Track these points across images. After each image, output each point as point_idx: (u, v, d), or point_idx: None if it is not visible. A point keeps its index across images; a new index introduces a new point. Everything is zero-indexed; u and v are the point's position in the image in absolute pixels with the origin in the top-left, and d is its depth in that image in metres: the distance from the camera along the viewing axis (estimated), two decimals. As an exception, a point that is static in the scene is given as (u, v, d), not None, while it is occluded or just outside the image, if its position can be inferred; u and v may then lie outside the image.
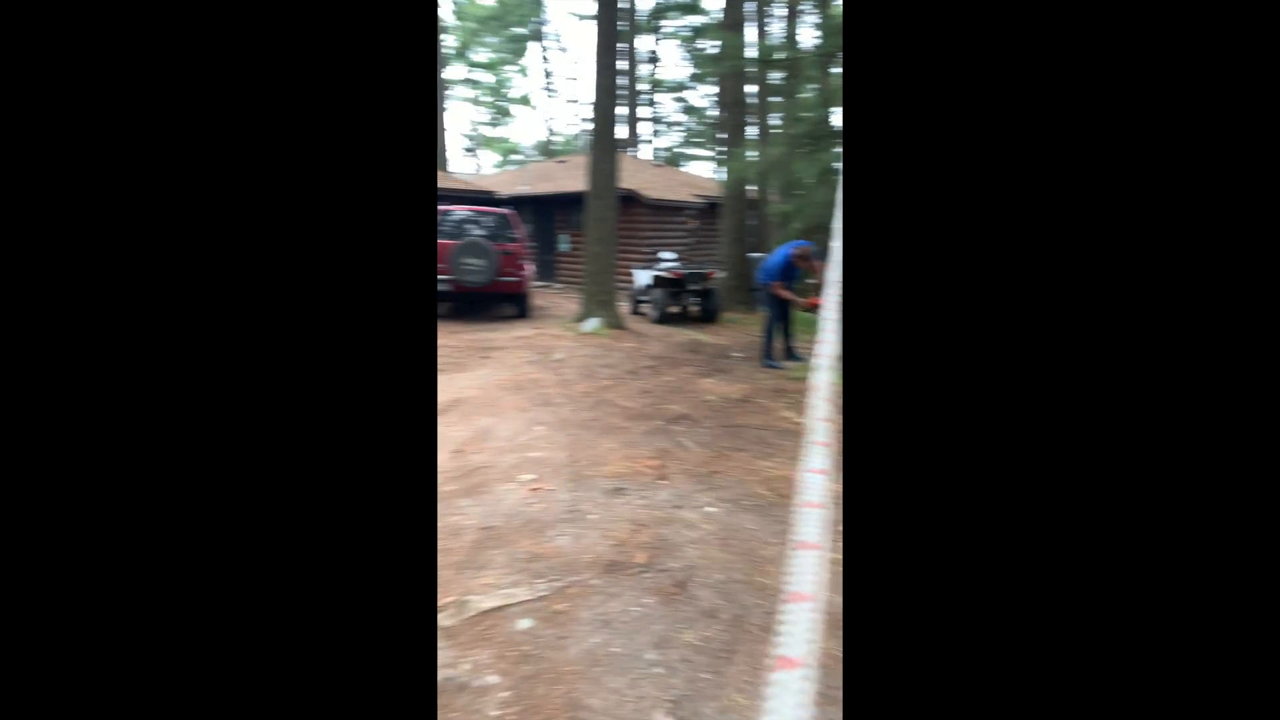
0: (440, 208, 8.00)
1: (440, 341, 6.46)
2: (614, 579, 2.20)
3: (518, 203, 13.41)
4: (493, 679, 1.70)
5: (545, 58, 26.09)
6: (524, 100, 30.29)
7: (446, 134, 15.11)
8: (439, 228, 7.76)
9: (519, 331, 7.36)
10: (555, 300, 10.50)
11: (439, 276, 7.54)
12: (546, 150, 24.78)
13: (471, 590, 2.11)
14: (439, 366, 5.33)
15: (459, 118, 29.73)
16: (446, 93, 15.53)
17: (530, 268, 8.42)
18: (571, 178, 13.21)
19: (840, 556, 0.81)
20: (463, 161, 29.03)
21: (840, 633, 0.87)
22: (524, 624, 1.95)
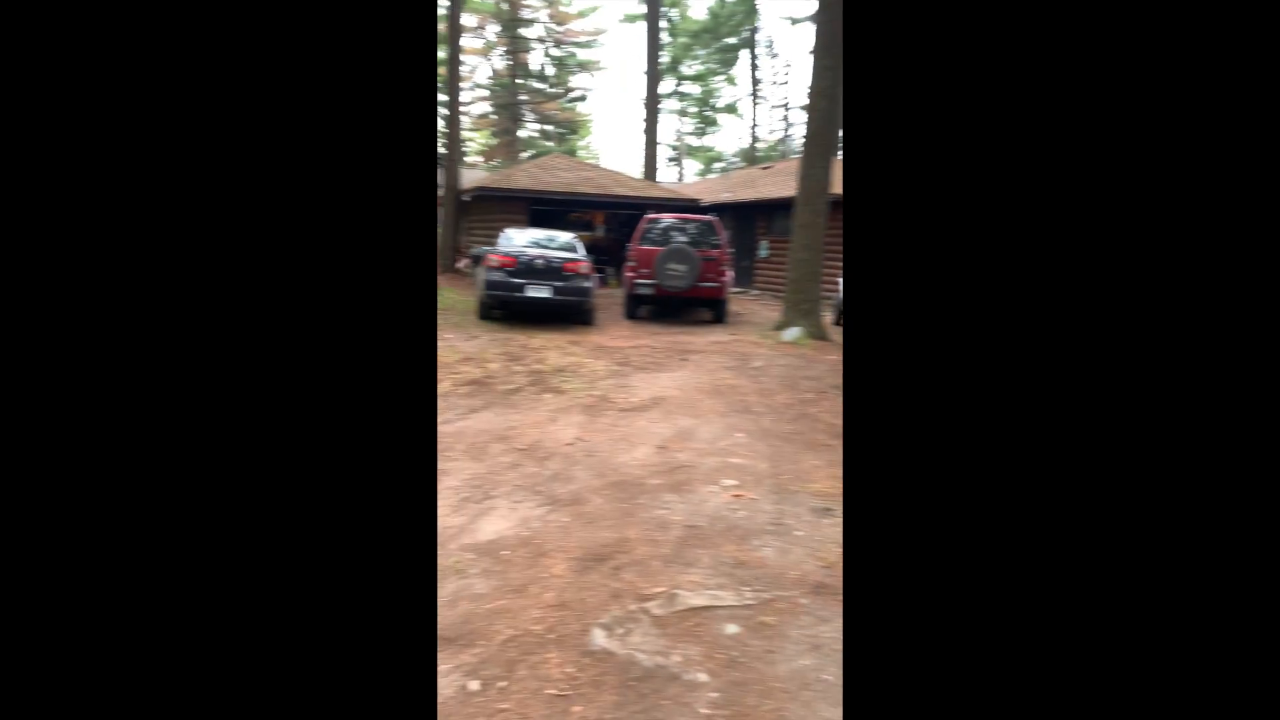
0: (647, 216, 8.44)
1: (642, 341, 6.82)
2: (823, 602, 2.10)
3: (720, 209, 13.61)
4: (702, 676, 1.73)
5: (755, 64, 26.06)
6: (731, 109, 30.63)
7: (656, 145, 15.92)
8: (646, 234, 8.19)
9: (716, 336, 7.45)
10: (752, 307, 10.43)
11: (643, 281, 7.96)
12: (750, 157, 24.77)
13: (679, 585, 2.18)
14: (640, 365, 5.62)
15: (666, 129, 31.15)
16: (657, 105, 16.35)
17: (730, 274, 8.49)
18: (774, 184, 13.02)
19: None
20: (667, 170, 30.37)
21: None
22: (731, 629, 1.95)
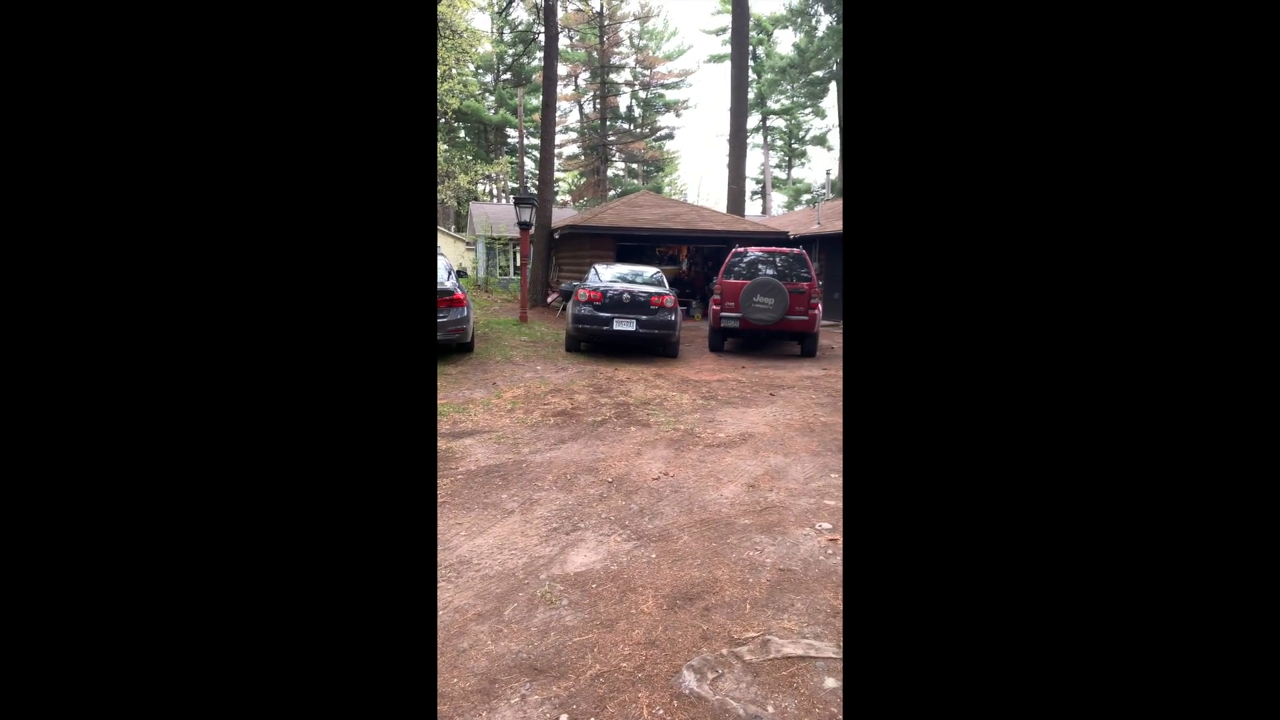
0: (734, 249, 8.43)
1: (728, 375, 6.74)
2: (933, 662, 1.93)
3: (809, 242, 13.36)
4: (800, 733, 1.63)
5: (842, 96, 25.74)
6: (820, 140, 30.31)
7: (744, 179, 15.98)
8: (732, 268, 8.18)
9: (806, 371, 7.23)
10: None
11: (729, 314, 7.92)
12: (840, 189, 24.30)
13: (772, 631, 2.08)
14: (727, 400, 5.54)
15: (752, 163, 31.24)
16: (744, 140, 16.45)
17: (820, 307, 8.26)
18: (868, 214, 12.61)
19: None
20: (752, 204, 30.31)
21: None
22: (830, 682, 1.83)
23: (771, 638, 2.04)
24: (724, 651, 1.97)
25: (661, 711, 1.70)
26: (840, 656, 1.96)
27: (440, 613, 2.13)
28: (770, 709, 1.72)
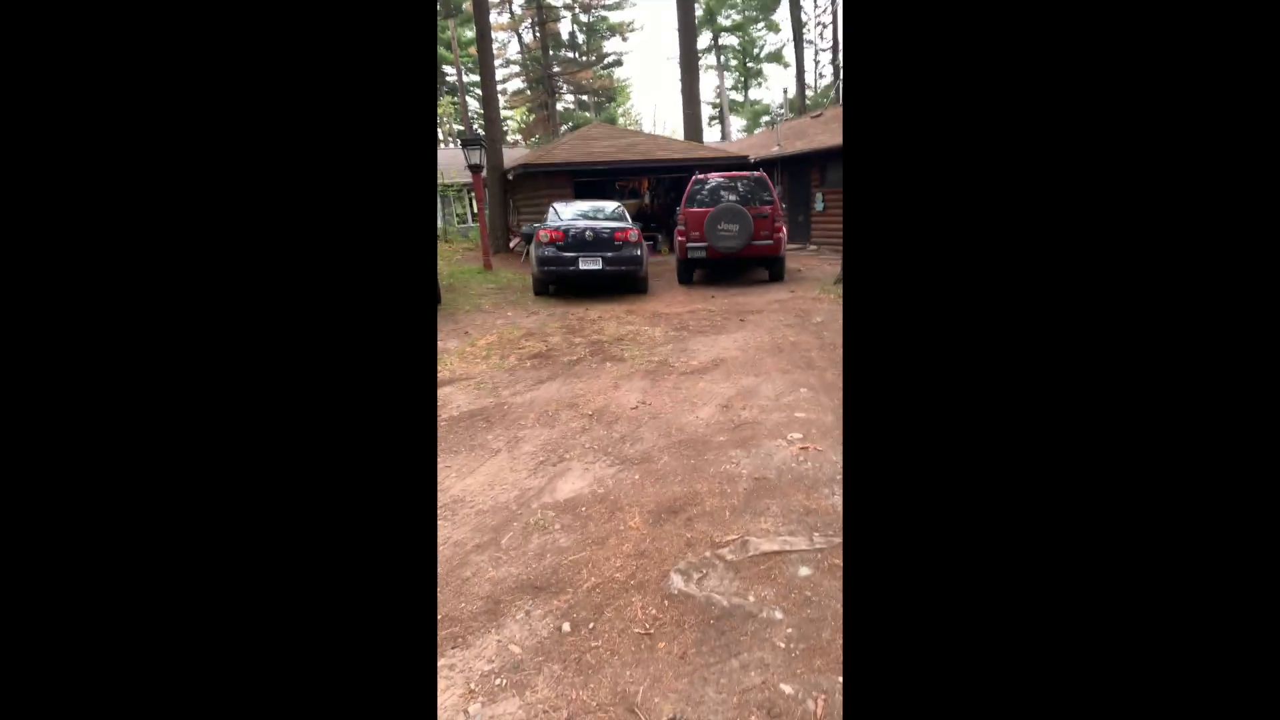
0: (695, 177, 8.32)
1: (698, 306, 6.83)
2: (896, 543, 2.13)
3: (770, 164, 13.21)
4: (778, 614, 1.82)
5: (797, 7, 24.70)
6: (775, 57, 29.32)
7: (699, 104, 15.50)
8: (694, 196, 8.10)
9: (775, 295, 7.35)
10: (810, 262, 10.18)
11: (694, 244, 7.90)
12: (799, 107, 23.73)
13: (751, 533, 2.26)
14: (698, 329, 5.65)
15: (706, 86, 30.20)
16: (696, 63, 15.80)
17: (785, 230, 8.29)
18: (827, 133, 12.48)
19: None
20: (711, 130, 29.54)
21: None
22: (803, 571, 2.02)
23: (750, 538, 2.22)
24: (707, 554, 2.14)
25: (654, 611, 1.87)
26: (812, 548, 2.15)
27: (440, 548, 2.25)
28: (751, 598, 1.91)
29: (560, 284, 7.69)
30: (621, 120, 33.79)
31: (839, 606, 1.83)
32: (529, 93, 30.35)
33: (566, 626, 1.81)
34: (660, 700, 1.53)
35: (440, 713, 1.52)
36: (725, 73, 30.84)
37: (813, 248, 12.25)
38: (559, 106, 30.44)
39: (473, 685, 1.60)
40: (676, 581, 2.00)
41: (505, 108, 28.29)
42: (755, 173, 8.36)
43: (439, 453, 3.10)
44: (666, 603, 1.90)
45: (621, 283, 7.68)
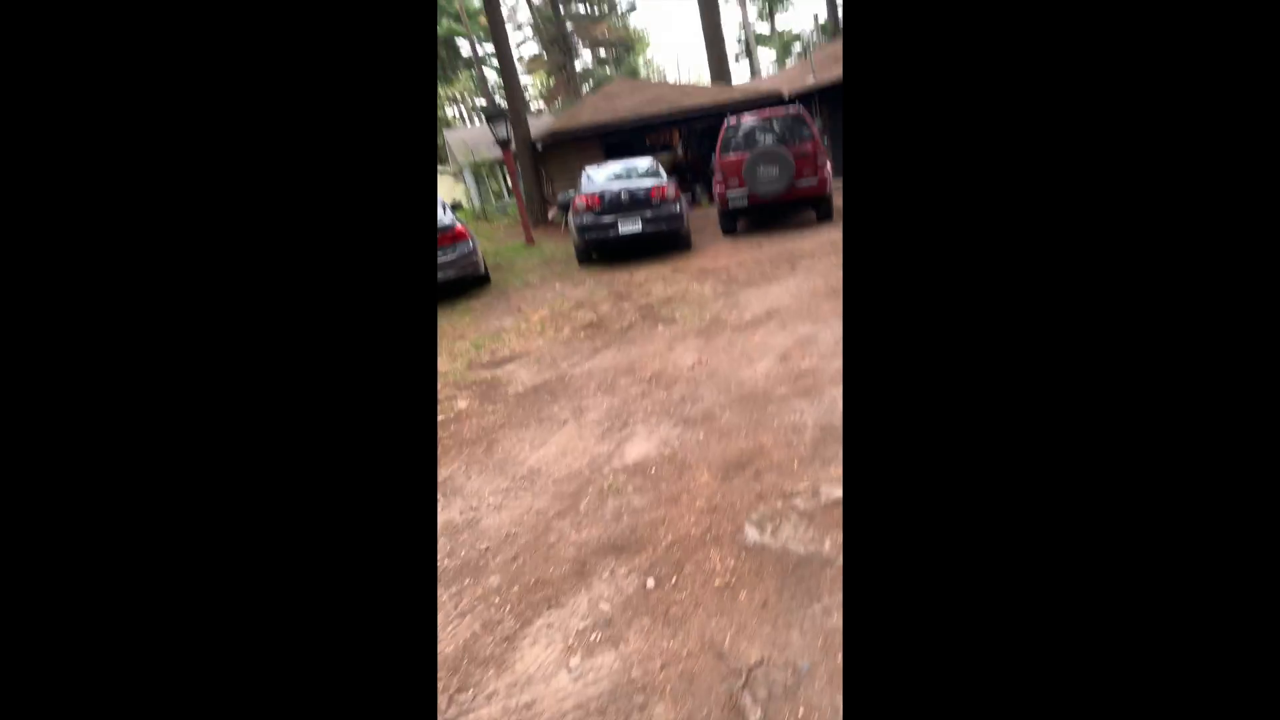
0: (727, 121, 8.03)
1: (745, 256, 6.70)
2: (972, 480, 2.11)
3: (806, 98, 12.58)
4: (857, 558, 1.85)
5: (821, -82, 22.81)
6: (799, -22, 27.37)
7: (723, 43, 14.81)
8: (729, 141, 7.84)
9: (826, 236, 7.12)
10: (855, 197, 9.74)
11: (734, 192, 7.69)
12: (832, 30, 22.29)
13: (820, 480, 2.28)
14: (748, 281, 5.56)
15: (729, 21, 28.71)
16: (715, 2, 14.98)
17: (829, 166, 7.95)
18: (864, 53, 11.70)
19: None
20: (739, 68, 28.21)
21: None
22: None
23: (821, 486, 2.24)
24: (779, 505, 2.18)
25: (732, 563, 1.94)
26: (886, 491, 2.15)
27: (525, 516, 2.38)
28: (827, 545, 1.94)
29: (602, 250, 7.69)
30: (643, 71, 32.74)
31: (917, 546, 1.84)
32: (545, 56, 29.74)
33: (650, 582, 1.91)
34: (747, 646, 1.61)
35: (544, 668, 1.65)
36: (748, 2, 29.19)
37: (859, 181, 11.68)
38: (578, 66, 29.73)
39: (570, 641, 1.72)
40: (751, 533, 2.06)
41: (523, 74, 27.85)
42: (791, 109, 7.99)
43: (510, 428, 3.24)
44: (744, 554, 1.96)
45: (664, 242, 7.60)
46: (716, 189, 8.03)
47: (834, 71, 12.15)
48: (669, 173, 9.50)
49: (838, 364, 3.33)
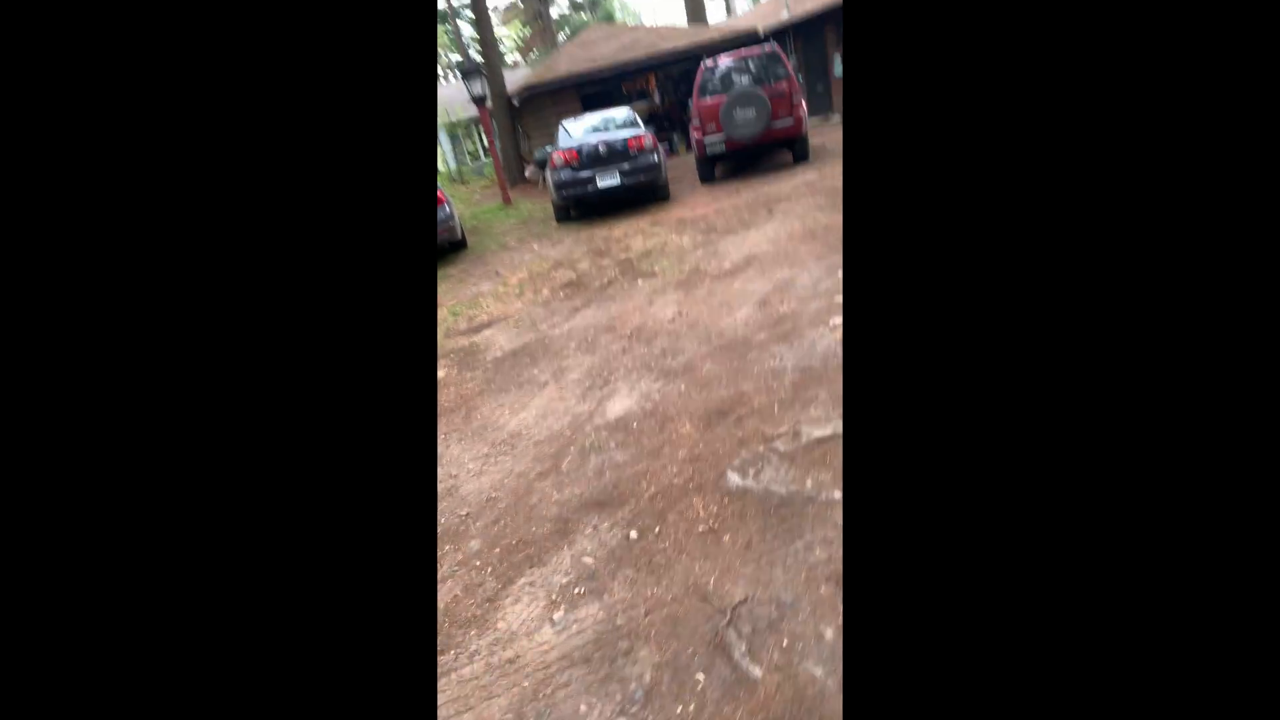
0: (703, 64, 7.75)
1: (723, 203, 6.57)
2: (950, 412, 2.10)
3: (780, 34, 12.11)
4: (837, 494, 1.85)
5: None
6: (772, -95, 26.10)
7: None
8: (705, 85, 7.59)
9: (803, 177, 6.97)
10: (835, 135, 9.51)
11: (711, 138, 7.49)
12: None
13: (801, 422, 2.27)
14: (726, 229, 5.46)
15: (704, -43, 27.44)
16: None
17: (804, 105, 7.71)
18: (841, -18, 11.23)
19: None
20: (715, 7, 27.09)
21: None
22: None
23: (801, 428, 2.24)
24: (760, 449, 2.18)
25: (715, 509, 1.94)
26: (865, 428, 2.15)
27: (505, 479, 2.38)
28: (809, 483, 1.94)
29: (581, 206, 7.52)
30: (620, 16, 31.41)
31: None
32: (520, 4, 28.45)
33: (634, 534, 1.91)
34: (731, 586, 1.62)
35: (526, 624, 1.66)
36: (720, -63, 27.83)
37: (836, 117, 11.40)
38: (554, 14, 28.50)
39: (554, 596, 1.73)
40: (733, 478, 2.06)
41: (498, 25, 26.73)
42: (766, 47, 7.70)
43: (489, 394, 3.21)
44: (726, 499, 1.97)
45: (643, 194, 7.44)
46: (694, 135, 7.80)
47: (806, 4, 11.67)
48: (646, 121, 9.22)
49: (815, 306, 3.29)
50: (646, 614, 1.60)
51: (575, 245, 6.34)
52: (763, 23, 12.77)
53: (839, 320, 3.05)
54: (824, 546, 1.69)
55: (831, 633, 1.44)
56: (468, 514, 2.21)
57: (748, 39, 11.49)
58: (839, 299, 3.30)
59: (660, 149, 7.42)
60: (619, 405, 2.77)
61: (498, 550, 1.98)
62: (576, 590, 1.73)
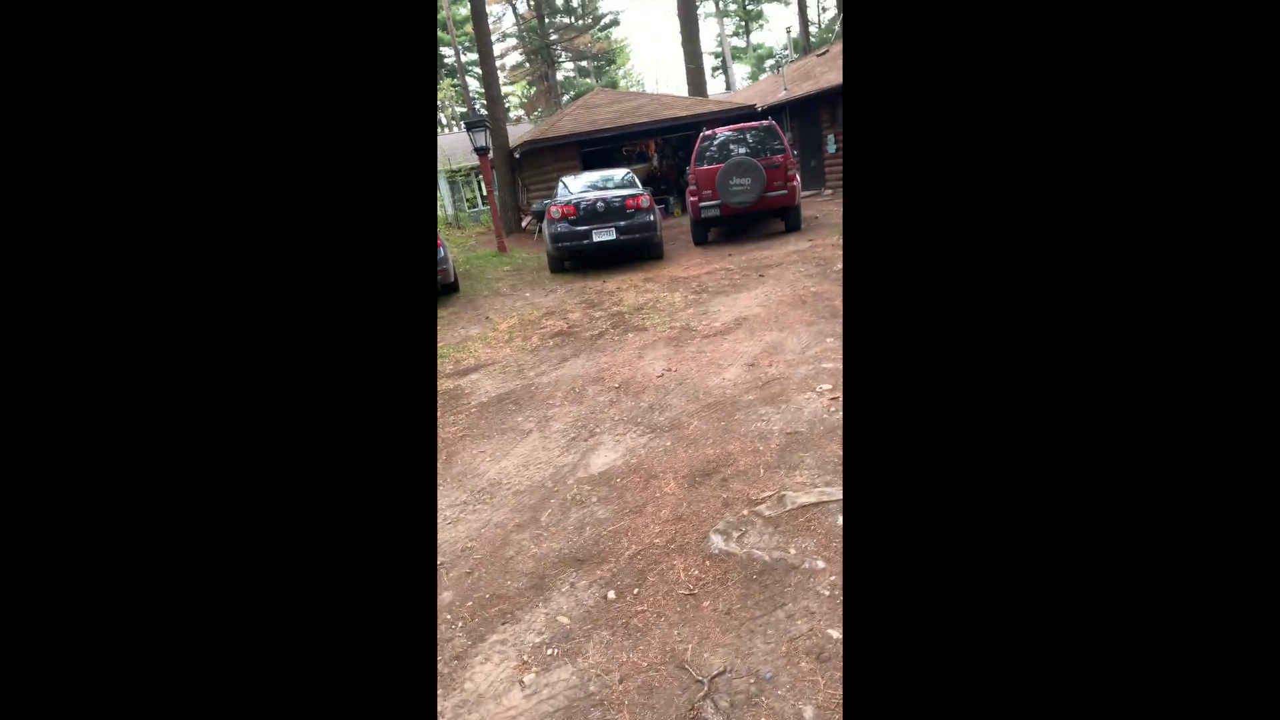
0: (702, 133, 8.11)
1: (715, 265, 6.72)
2: (935, 485, 2.11)
3: (779, 111, 12.77)
4: (819, 563, 1.82)
5: (792, -61, 23.38)
6: (773, -4, 28.02)
7: (700, 57, 15.00)
8: (703, 153, 7.91)
9: (794, 246, 7.19)
10: (827, 207, 9.89)
11: (707, 203, 7.75)
12: (803, 46, 22.76)
13: (787, 487, 2.25)
14: (718, 290, 5.57)
15: (707, 36, 29.21)
16: (693, 15, 15.25)
17: (798, 178, 8.04)
18: (834, 70, 11.96)
19: None
20: (715, 81, 28.61)
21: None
22: (842, 519, 2.01)
23: (786, 493, 2.22)
24: (745, 512, 2.15)
25: (696, 572, 1.89)
26: (850, 497, 2.14)
27: (482, 530, 2.31)
28: (792, 550, 1.91)
29: (576, 259, 7.65)
30: (623, 83, 33.00)
31: (880, 553, 1.83)
32: (528, 65, 29.80)
33: (611, 594, 1.85)
34: (709, 655, 1.57)
35: (494, 686, 1.58)
36: (725, 19, 29.68)
37: (828, 192, 11.89)
38: (559, 76, 29.85)
39: (525, 657, 1.65)
40: (716, 541, 2.02)
41: (505, 83, 27.88)
42: (764, 122, 8.10)
43: (471, 439, 3.16)
44: (708, 563, 1.92)
45: (637, 251, 7.60)
46: (690, 199, 8.07)
47: (804, 86, 12.37)
48: (644, 183, 9.54)
49: (803, 370, 3.33)
50: (621, 681, 1.53)
51: (567, 296, 6.41)
52: (761, 99, 13.47)
53: (827, 386, 3.08)
54: (806, 618, 1.64)
55: (811, 712, 1.38)
56: (441, 563, 2.13)
57: (746, 113, 12.09)
58: (826, 365, 3.35)
59: (657, 210, 7.65)
60: (603, 459, 2.73)
61: (470, 603, 1.90)
62: (550, 651, 1.66)
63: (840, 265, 5.71)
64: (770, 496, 2.21)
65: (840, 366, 3.30)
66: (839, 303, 4.53)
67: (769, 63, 28.48)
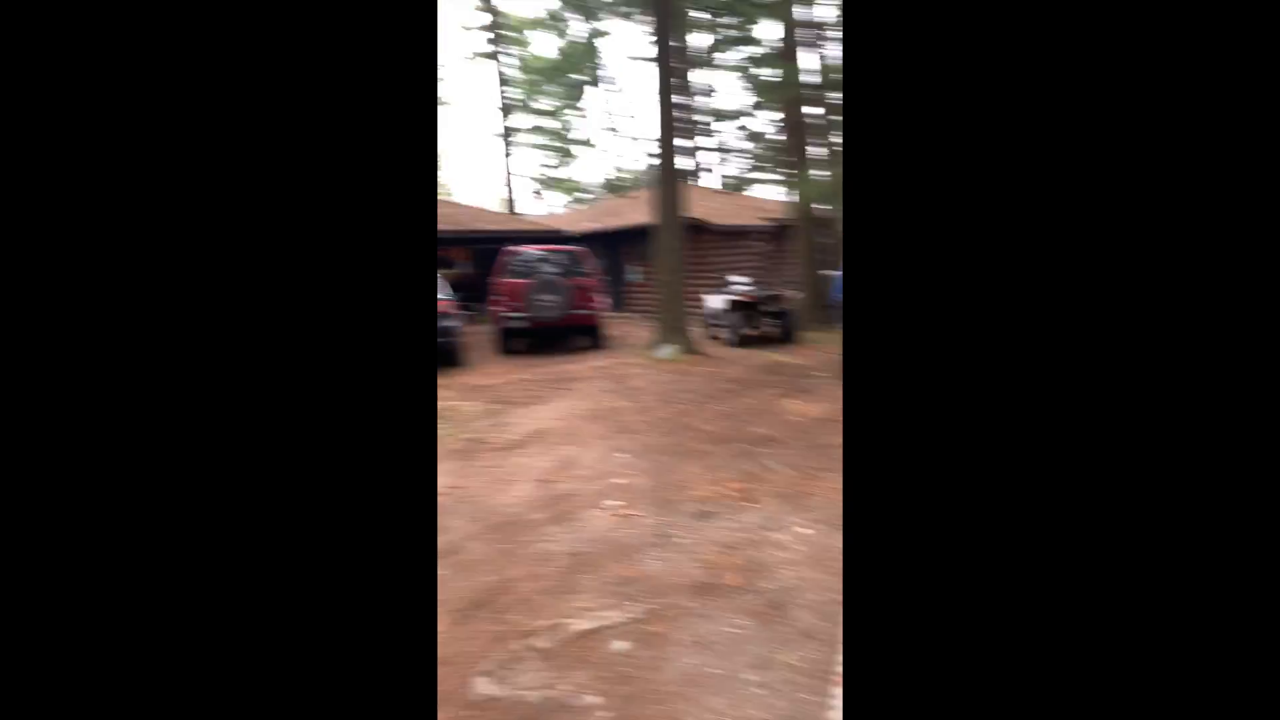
0: (513, 249, 8.40)
1: (518, 376, 6.71)
2: (706, 601, 2.17)
3: (587, 239, 13.85)
4: (592, 699, 1.71)
5: (606, 100, 27.06)
6: (586, 142, 31.45)
7: (515, 178, 15.94)
8: (510, 268, 8.15)
9: (595, 362, 7.51)
10: (629, 330, 10.66)
11: (514, 315, 7.88)
12: (612, 187, 25.54)
13: (565, 614, 2.14)
14: (517, 401, 5.52)
15: (526, 162, 31.37)
16: (512, 140, 16.45)
17: (603, 300, 8.63)
18: (637, 212, 13.50)
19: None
20: (531, 204, 30.43)
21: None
22: (619, 645, 1.95)
23: (562, 620, 2.10)
24: (517, 647, 1.97)
25: (455, 726, 1.65)
26: (627, 619, 2.09)
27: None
28: (565, 686, 1.78)
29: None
30: (442, 192, 33.38)
31: (655, 676, 1.78)
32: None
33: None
34: (456, 838, 1.32)
35: None
36: (545, 151, 32.27)
37: (631, 316, 12.92)
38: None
39: None
40: (481, 685, 1.80)
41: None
42: (572, 246, 8.69)
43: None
44: (468, 713, 1.69)
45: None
46: (494, 309, 8.13)
47: (611, 220, 13.72)
48: (454, 288, 9.40)
49: (595, 486, 3.34)
50: None
51: (351, 400, 5.80)
52: (571, 226, 14.55)
53: (616, 502, 3.11)
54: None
55: None
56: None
57: (554, 237, 12.89)
58: (618, 481, 3.41)
59: (459, 316, 7.52)
60: (362, 591, 2.36)
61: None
62: None
63: (637, 383, 6.08)
64: (546, 626, 2.08)
65: (629, 483, 3.38)
66: (633, 419, 4.75)
67: (582, 195, 31.27)
